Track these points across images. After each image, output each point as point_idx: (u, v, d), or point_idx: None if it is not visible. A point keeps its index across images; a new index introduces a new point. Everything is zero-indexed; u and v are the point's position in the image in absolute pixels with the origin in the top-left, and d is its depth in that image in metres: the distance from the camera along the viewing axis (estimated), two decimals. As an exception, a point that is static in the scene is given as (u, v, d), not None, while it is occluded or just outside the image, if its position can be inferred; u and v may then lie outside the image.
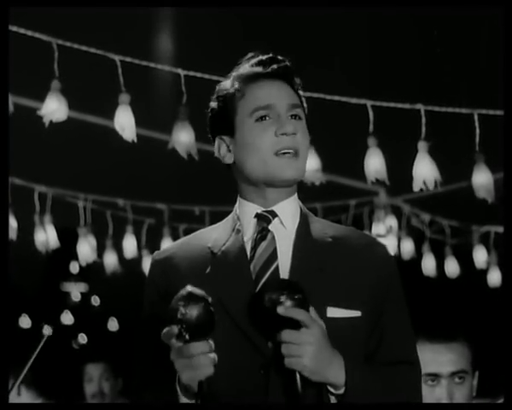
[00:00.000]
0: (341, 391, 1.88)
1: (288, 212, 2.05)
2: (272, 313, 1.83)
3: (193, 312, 1.81)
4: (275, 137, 1.99)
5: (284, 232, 2.02)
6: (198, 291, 1.83)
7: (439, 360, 2.60)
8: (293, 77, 2.07)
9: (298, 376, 1.83)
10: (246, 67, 2.07)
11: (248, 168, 2.03)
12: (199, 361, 1.81)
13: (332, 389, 1.88)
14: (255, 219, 2.04)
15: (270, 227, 2.02)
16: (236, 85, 2.05)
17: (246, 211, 2.05)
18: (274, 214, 2.03)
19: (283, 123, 2.00)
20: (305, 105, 2.11)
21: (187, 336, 1.80)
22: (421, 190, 4.26)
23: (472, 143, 4.24)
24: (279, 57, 2.08)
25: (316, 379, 1.85)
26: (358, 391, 1.88)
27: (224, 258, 1.99)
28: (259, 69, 2.05)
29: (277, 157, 1.99)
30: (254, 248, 2.00)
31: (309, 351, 1.82)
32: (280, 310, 1.83)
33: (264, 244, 2.00)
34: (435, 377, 2.60)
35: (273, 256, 1.99)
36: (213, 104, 2.09)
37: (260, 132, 2.00)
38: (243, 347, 1.90)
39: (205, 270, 1.98)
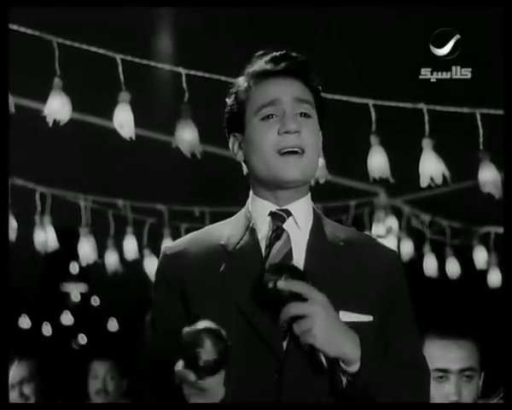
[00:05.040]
0: (355, 368, 1.84)
1: (302, 212, 2.03)
2: (274, 293, 1.82)
3: (212, 349, 1.74)
4: (278, 136, 1.96)
5: (298, 232, 2.01)
6: (213, 326, 1.77)
7: (448, 356, 2.62)
8: (307, 74, 2.03)
9: (318, 351, 1.81)
10: (259, 64, 2.04)
11: (254, 167, 2.01)
12: (212, 393, 1.77)
13: (345, 366, 1.84)
14: (269, 218, 2.01)
15: (284, 226, 2.00)
16: (247, 82, 2.03)
17: (259, 208, 2.03)
18: (289, 213, 2.01)
19: (286, 120, 1.96)
20: (322, 101, 2.06)
21: (202, 374, 1.74)
22: (429, 186, 4.24)
23: (473, 143, 4.24)
24: (293, 54, 2.05)
25: (332, 353, 1.82)
26: (371, 371, 1.85)
27: (239, 256, 1.97)
28: (270, 66, 2.02)
29: (281, 157, 1.96)
30: (269, 247, 1.98)
31: (317, 321, 1.80)
32: (280, 284, 1.80)
33: (279, 244, 1.98)
34: (444, 372, 2.62)
35: (288, 257, 1.97)
36: (228, 100, 2.08)
37: (264, 131, 1.97)
38: (257, 348, 1.88)
39: (219, 268, 1.96)
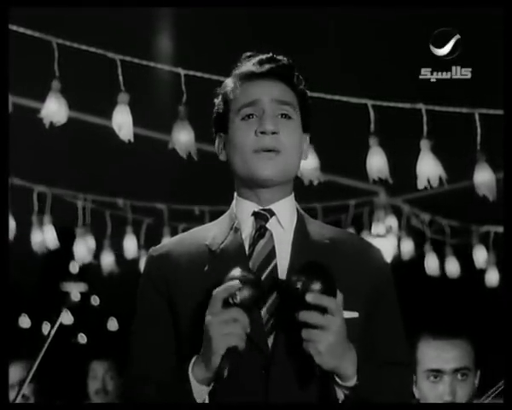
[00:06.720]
0: (352, 383, 1.86)
1: (285, 211, 2.05)
2: (299, 298, 1.82)
3: (251, 283, 1.83)
4: (255, 136, 1.99)
5: (281, 232, 2.03)
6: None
7: (442, 356, 2.62)
8: (291, 77, 2.06)
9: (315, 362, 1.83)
10: (245, 66, 2.07)
11: (235, 167, 2.04)
12: (232, 328, 1.80)
13: (340, 381, 1.86)
14: (252, 218, 2.04)
15: (267, 225, 2.03)
16: (234, 84, 2.06)
17: (243, 209, 2.06)
18: (271, 213, 2.04)
19: (264, 121, 1.99)
20: (307, 104, 2.08)
21: (237, 299, 1.81)
22: (426, 188, 4.25)
23: (472, 142, 4.24)
24: (278, 57, 2.07)
25: (327, 367, 1.84)
26: (366, 386, 1.87)
27: (223, 256, 1.99)
28: (256, 68, 2.05)
29: (256, 155, 1.99)
30: (253, 246, 2.00)
31: (328, 339, 1.81)
32: (309, 298, 1.81)
33: (262, 242, 2.01)
34: (438, 373, 2.62)
35: (271, 254, 1.99)
36: (215, 101, 2.11)
37: (243, 131, 2.01)
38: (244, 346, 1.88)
39: (203, 268, 1.98)
